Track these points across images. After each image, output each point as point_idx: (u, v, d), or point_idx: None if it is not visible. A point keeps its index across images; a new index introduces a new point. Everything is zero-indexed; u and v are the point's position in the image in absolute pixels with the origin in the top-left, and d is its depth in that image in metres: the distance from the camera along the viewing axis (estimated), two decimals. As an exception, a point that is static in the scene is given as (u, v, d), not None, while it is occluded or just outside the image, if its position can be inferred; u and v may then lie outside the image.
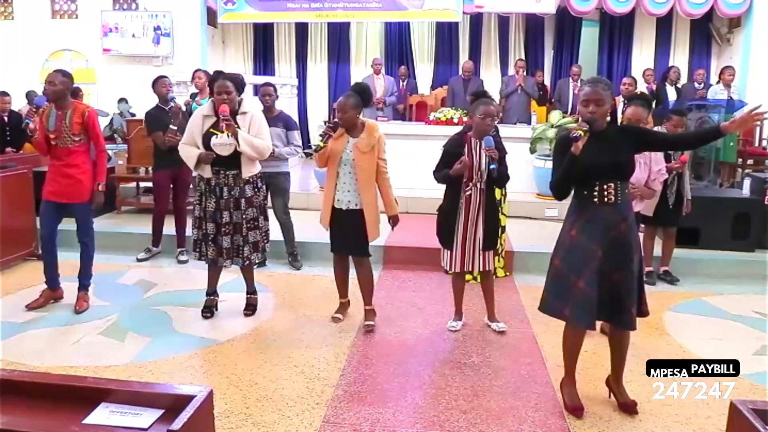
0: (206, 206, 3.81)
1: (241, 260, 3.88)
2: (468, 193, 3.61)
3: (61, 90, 3.92)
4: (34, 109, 3.92)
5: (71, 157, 3.96)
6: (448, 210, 3.69)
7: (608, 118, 2.79)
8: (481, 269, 3.76)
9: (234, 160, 3.74)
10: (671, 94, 7.85)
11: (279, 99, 5.30)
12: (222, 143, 3.68)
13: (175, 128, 4.94)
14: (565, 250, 2.80)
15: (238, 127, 3.69)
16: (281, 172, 5.02)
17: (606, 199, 2.71)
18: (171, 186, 5.30)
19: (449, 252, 3.72)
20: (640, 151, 3.03)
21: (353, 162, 3.66)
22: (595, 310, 2.72)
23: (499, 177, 3.57)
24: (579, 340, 2.89)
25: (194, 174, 3.94)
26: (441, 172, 3.64)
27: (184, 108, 5.25)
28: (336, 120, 3.68)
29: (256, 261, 3.95)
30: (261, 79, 8.06)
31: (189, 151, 3.78)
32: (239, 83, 3.78)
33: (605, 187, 2.71)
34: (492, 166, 3.48)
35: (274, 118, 4.95)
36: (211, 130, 3.70)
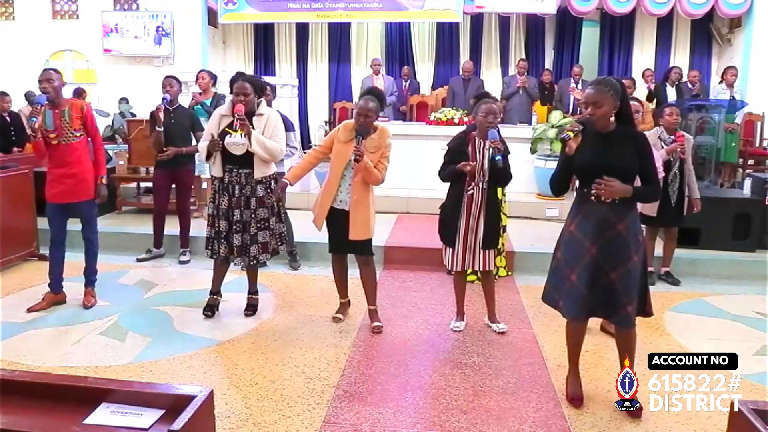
0: (219, 204, 3.85)
1: (248, 259, 3.90)
2: (470, 192, 3.64)
3: (59, 87, 3.96)
4: (38, 108, 3.93)
5: (73, 155, 3.97)
6: (451, 208, 3.72)
7: (612, 119, 2.78)
8: (481, 268, 3.78)
9: (247, 159, 3.78)
10: (671, 95, 7.84)
11: (277, 99, 5.28)
12: (235, 142, 3.74)
13: (161, 129, 5.03)
14: (564, 244, 2.91)
15: (253, 128, 3.74)
16: (277, 172, 5.02)
17: (603, 198, 2.74)
18: (172, 187, 5.32)
19: (451, 250, 3.74)
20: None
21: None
22: (584, 304, 2.79)
23: (502, 170, 3.58)
24: (576, 333, 2.97)
25: (208, 174, 3.94)
26: (446, 170, 3.68)
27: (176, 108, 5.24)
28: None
29: (264, 261, 3.98)
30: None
31: (201, 146, 3.89)
32: (258, 86, 3.85)
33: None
34: (497, 157, 3.51)
35: None
36: (227, 129, 3.77)
